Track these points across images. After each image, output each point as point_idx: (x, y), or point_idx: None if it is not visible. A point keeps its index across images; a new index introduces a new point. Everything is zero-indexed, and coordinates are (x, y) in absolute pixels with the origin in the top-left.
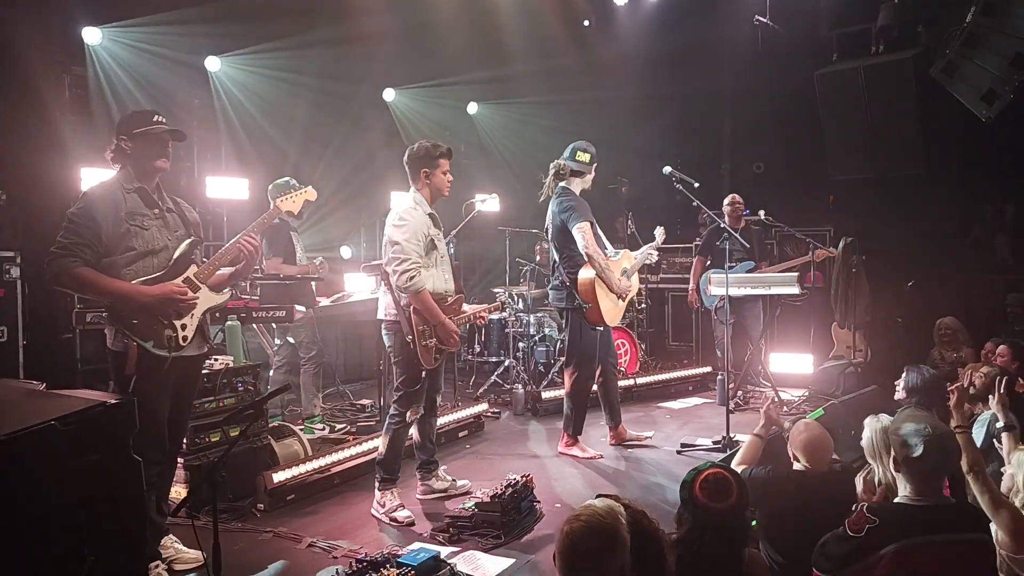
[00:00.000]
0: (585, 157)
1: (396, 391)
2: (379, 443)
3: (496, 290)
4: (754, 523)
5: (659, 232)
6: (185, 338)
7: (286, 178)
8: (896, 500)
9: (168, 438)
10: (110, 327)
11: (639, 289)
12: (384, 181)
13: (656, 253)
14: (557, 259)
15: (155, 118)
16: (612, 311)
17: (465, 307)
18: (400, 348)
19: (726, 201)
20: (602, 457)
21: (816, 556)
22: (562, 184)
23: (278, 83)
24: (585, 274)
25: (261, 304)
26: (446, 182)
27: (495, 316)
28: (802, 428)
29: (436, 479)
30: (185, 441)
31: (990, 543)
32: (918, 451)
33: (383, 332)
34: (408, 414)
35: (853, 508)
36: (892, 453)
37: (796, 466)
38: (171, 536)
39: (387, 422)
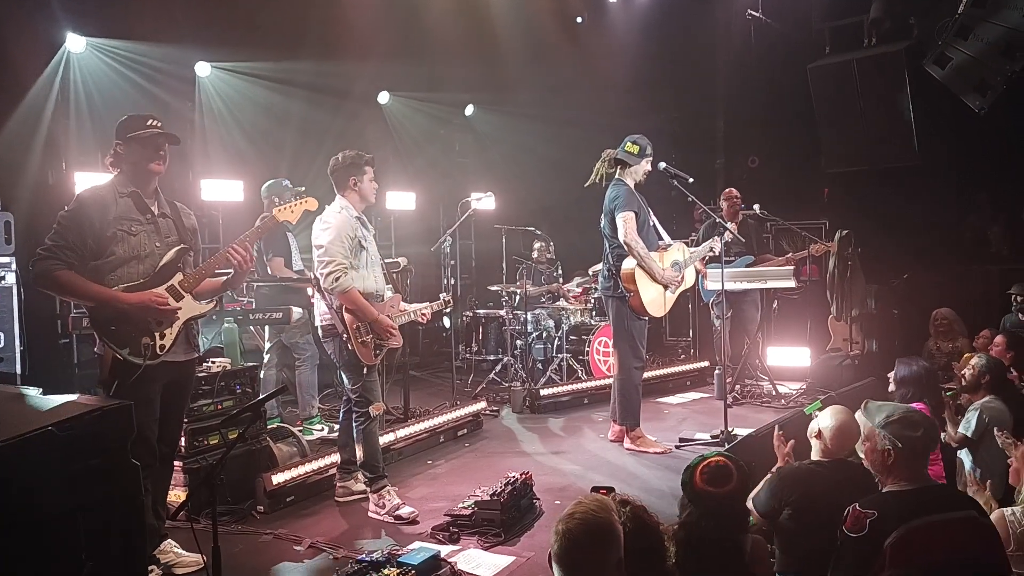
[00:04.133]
0: (633, 149)
1: (353, 393)
2: (357, 451)
3: (442, 294)
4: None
5: (731, 229)
6: (163, 347)
7: (280, 179)
8: (884, 490)
9: (162, 442)
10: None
11: None
12: (379, 183)
13: (717, 249)
14: (607, 248)
15: (149, 122)
16: (656, 301)
17: (405, 306)
18: (339, 351)
19: (722, 195)
20: (671, 451)
21: None
22: (617, 176)
23: (269, 85)
24: (628, 263)
25: (256, 307)
26: (372, 188)
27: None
28: (834, 411)
29: (355, 481)
30: (183, 444)
31: (981, 519)
32: (919, 430)
33: (321, 339)
34: (371, 410)
35: (844, 514)
36: (883, 446)
37: (814, 449)
38: (170, 540)
39: (355, 427)
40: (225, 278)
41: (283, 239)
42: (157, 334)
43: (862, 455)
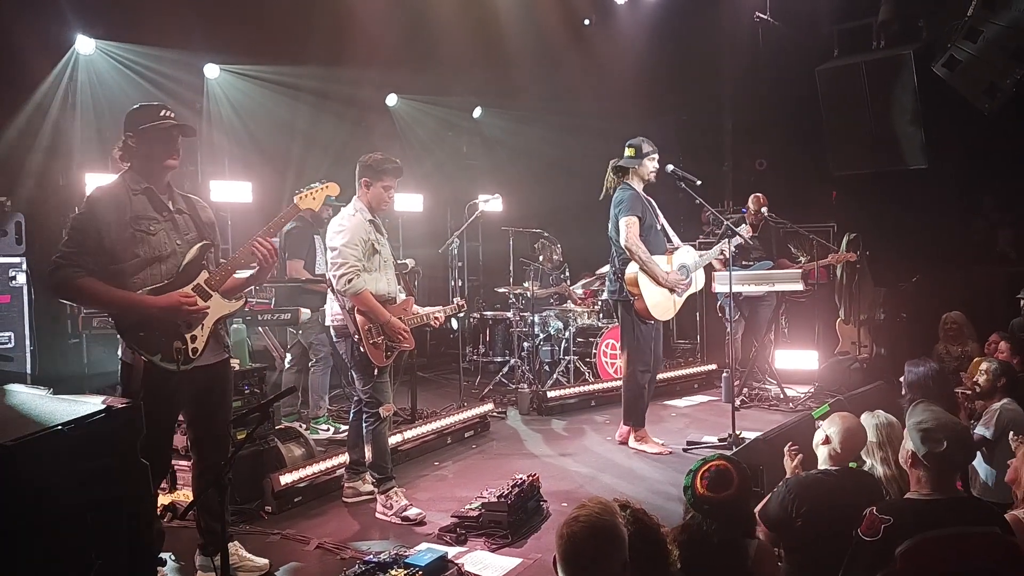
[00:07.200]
0: (630, 152)
1: (363, 394)
2: (366, 451)
3: (456, 298)
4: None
5: (740, 234)
6: (195, 350)
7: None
8: (906, 496)
9: (214, 449)
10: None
11: None
12: None
13: (726, 251)
14: (613, 252)
15: (163, 112)
16: (662, 305)
17: (418, 308)
18: (351, 352)
19: (751, 199)
20: (671, 453)
21: None
22: (625, 180)
23: (278, 88)
24: (631, 267)
25: (276, 307)
26: (385, 198)
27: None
28: (839, 417)
29: (363, 482)
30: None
31: (1004, 537)
32: (942, 446)
33: (334, 339)
34: (381, 411)
35: (863, 515)
36: (909, 447)
37: (821, 454)
38: (236, 543)
39: (365, 428)
40: (249, 274)
41: (306, 241)
42: (188, 337)
43: (867, 460)
